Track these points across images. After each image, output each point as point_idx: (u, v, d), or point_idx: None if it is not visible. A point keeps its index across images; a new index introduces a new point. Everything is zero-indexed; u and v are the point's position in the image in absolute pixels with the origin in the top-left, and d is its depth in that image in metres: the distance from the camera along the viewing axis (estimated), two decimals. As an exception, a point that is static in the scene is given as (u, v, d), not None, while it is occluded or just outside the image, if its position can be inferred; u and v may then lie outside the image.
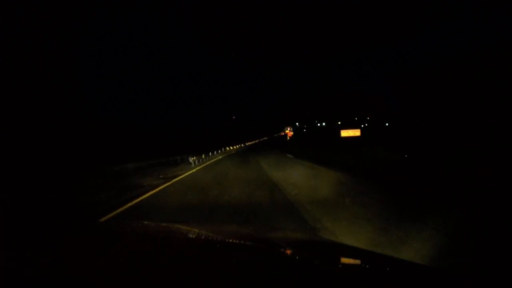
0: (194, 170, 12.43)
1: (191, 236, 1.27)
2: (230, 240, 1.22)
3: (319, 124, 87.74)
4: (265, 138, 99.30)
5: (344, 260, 0.96)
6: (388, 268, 0.87)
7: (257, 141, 77.05)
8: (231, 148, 38.87)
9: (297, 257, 0.95)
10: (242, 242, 1.19)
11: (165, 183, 8.65)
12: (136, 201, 6.00)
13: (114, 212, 5.01)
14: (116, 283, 0.63)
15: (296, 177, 8.44)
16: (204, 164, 15.63)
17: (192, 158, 15.44)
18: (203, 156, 18.40)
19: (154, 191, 7.24)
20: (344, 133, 44.49)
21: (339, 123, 64.87)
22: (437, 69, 32.16)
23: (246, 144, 58.08)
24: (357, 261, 0.94)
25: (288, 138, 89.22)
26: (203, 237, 1.24)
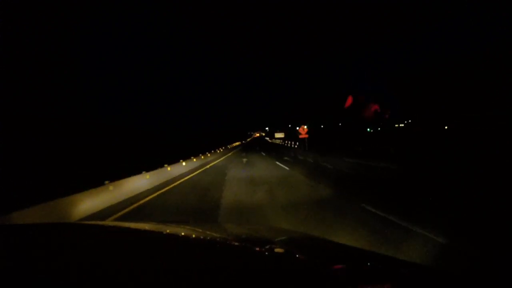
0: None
1: (191, 236, 1.27)
2: (230, 240, 1.22)
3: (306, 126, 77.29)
4: (237, 143, 54.17)
5: (344, 260, 0.96)
6: (388, 269, 0.87)
7: (219, 150, 24.20)
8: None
9: (297, 257, 0.95)
10: (241, 242, 1.19)
11: None
12: None
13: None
14: (115, 283, 0.63)
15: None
16: None
17: None
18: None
19: None
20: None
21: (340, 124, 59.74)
22: (437, 69, 32.20)
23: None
24: (358, 262, 0.94)
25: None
26: (202, 237, 1.24)
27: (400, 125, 44.00)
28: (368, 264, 0.91)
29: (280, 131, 75.47)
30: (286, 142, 35.34)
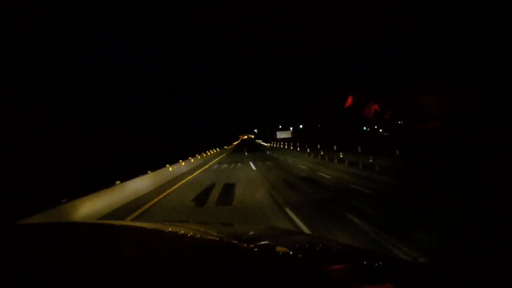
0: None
1: (191, 235, 1.27)
2: (230, 240, 1.22)
3: (301, 127, 65.07)
4: (214, 151, 23.24)
5: (344, 260, 0.96)
6: (388, 269, 0.87)
7: None
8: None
9: (296, 257, 0.95)
10: (241, 241, 1.19)
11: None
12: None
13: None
14: (114, 283, 0.62)
15: None
16: None
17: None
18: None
19: None
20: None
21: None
22: (437, 69, 32.24)
23: None
24: (357, 261, 0.94)
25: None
26: (202, 237, 1.24)
27: (400, 122, 43.51)
28: (368, 264, 0.91)
29: (283, 130, 64.23)
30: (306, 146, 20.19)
